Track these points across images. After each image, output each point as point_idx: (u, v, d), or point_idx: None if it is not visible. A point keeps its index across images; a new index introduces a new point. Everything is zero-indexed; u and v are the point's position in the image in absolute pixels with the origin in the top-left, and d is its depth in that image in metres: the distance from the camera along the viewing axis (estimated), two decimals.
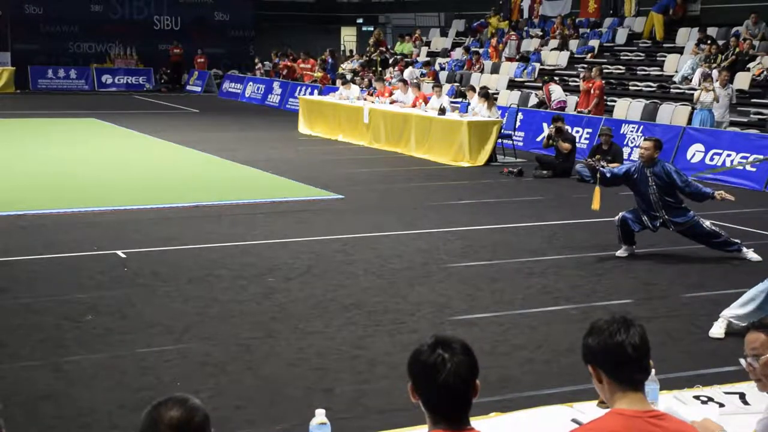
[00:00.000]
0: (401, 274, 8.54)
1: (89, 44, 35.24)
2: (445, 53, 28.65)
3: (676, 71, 20.79)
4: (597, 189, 9.36)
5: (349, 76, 23.95)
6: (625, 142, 16.39)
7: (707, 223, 9.28)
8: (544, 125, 17.90)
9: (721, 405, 4.00)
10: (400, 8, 37.56)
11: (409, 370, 2.62)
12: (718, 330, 6.79)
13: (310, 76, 29.18)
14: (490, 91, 17.87)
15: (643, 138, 9.62)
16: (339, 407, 5.32)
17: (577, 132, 17.60)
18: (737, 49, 19.83)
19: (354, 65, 28.95)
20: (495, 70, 25.14)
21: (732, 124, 17.18)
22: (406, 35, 31.25)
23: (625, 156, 15.69)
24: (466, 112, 17.59)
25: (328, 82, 27.05)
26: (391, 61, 28.52)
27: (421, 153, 17.29)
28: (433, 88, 19.14)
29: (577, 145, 17.29)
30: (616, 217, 9.40)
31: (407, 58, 28.66)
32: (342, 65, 30.03)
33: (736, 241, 9.35)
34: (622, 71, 22.80)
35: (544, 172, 15.10)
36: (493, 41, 26.85)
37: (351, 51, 36.24)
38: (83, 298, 7.54)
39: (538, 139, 17.88)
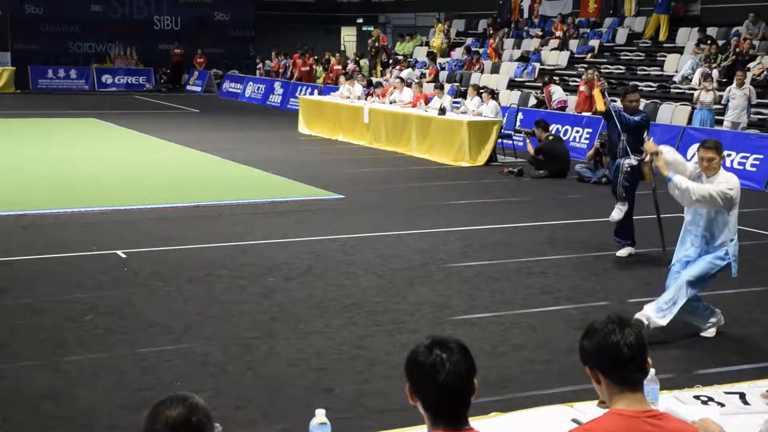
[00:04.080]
0: (401, 274, 8.54)
1: (89, 44, 35.26)
2: (445, 53, 28.66)
3: (676, 71, 20.79)
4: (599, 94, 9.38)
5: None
6: None
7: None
8: None
9: (721, 405, 4.00)
10: (400, 8, 37.55)
11: (407, 371, 2.61)
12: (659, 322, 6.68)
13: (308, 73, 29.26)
14: (490, 89, 17.97)
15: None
16: (339, 407, 5.32)
17: (577, 132, 17.60)
18: (737, 49, 19.83)
19: (350, 66, 28.97)
20: (495, 70, 25.15)
21: (735, 124, 16.83)
22: (406, 35, 31.28)
23: None
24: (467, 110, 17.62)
25: (330, 81, 27.05)
26: (391, 61, 28.57)
27: (421, 153, 17.29)
28: (434, 88, 19.17)
29: (577, 144, 17.31)
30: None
31: (409, 58, 28.70)
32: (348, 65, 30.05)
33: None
34: (622, 71, 22.79)
35: (541, 171, 15.11)
36: (492, 41, 26.87)
37: (343, 52, 36.19)
38: (83, 298, 7.54)
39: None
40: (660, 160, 6.58)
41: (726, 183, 6.44)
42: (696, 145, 15.27)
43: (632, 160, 9.28)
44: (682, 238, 6.81)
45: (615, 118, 9.17)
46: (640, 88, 20.98)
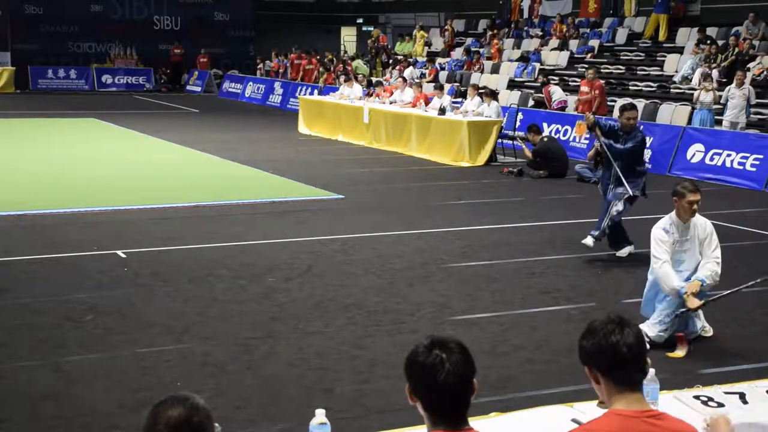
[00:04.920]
0: (401, 274, 8.54)
1: (89, 44, 35.26)
2: (445, 53, 28.67)
3: (676, 71, 20.79)
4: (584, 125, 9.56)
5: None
6: None
7: (617, 208, 9.22)
8: (544, 125, 17.90)
9: (721, 405, 4.00)
10: (400, 8, 37.56)
11: (407, 372, 2.61)
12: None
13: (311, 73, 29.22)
14: (491, 90, 17.97)
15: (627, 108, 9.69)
16: (339, 407, 5.32)
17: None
18: (737, 49, 19.83)
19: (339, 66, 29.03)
20: (495, 70, 25.15)
21: (734, 124, 16.78)
22: (406, 35, 31.29)
23: None
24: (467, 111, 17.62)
25: (331, 81, 27.06)
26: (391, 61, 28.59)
27: (421, 153, 17.29)
28: (434, 88, 19.17)
29: (576, 145, 17.32)
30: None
31: (409, 58, 28.70)
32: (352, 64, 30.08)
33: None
34: (622, 71, 22.80)
35: (540, 171, 15.12)
36: (496, 42, 26.87)
37: (345, 52, 36.20)
38: (83, 298, 7.54)
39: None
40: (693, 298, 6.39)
41: (713, 234, 6.54)
42: (696, 145, 15.38)
43: (620, 206, 9.19)
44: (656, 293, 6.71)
45: (606, 152, 9.23)
46: (639, 88, 21.13)
